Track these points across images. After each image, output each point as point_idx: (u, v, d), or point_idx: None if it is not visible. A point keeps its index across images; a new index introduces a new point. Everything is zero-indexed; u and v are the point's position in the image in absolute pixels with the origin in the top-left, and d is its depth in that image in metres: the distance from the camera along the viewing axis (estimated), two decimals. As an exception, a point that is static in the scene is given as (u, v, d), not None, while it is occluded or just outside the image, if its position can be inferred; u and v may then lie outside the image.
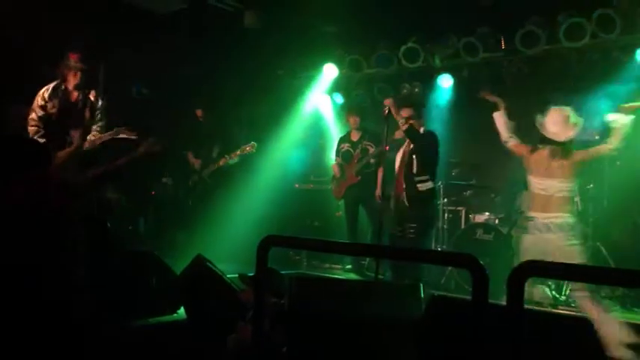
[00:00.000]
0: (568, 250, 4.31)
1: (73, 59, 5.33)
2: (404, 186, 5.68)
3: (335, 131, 8.48)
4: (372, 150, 6.95)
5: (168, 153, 8.00)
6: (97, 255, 4.56)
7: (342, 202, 7.37)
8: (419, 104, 5.93)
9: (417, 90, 7.41)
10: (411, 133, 5.56)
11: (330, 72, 8.26)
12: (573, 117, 4.51)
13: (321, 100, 8.83)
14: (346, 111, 7.50)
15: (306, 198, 8.28)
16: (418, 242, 5.57)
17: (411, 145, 5.71)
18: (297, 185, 8.46)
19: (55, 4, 6.31)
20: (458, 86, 7.68)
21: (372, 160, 6.94)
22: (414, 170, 5.62)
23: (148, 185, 7.85)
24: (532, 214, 4.57)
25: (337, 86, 8.64)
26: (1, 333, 3.01)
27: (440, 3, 6.75)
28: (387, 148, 5.84)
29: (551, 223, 4.42)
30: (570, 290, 4.44)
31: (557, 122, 4.50)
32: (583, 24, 6.13)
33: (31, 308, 3.06)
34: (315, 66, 8.33)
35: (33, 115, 5.32)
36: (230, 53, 7.68)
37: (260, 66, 8.19)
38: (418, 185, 5.60)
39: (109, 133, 5.34)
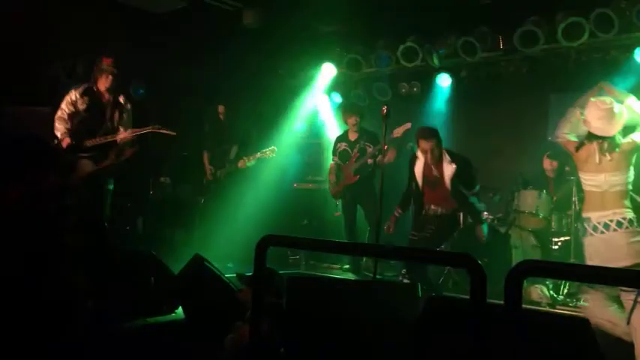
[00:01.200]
0: (633, 247, 4.07)
1: (106, 63, 5.67)
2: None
3: (333, 131, 8.47)
4: (370, 150, 6.94)
5: (168, 153, 8.02)
6: (94, 255, 4.55)
7: (340, 202, 7.36)
8: (436, 135, 5.88)
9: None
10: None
11: (328, 71, 8.26)
12: (616, 107, 4.21)
13: (319, 100, 8.83)
14: (345, 111, 7.49)
15: (304, 198, 8.28)
16: (432, 242, 5.56)
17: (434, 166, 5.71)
18: (295, 185, 8.45)
19: (53, 4, 6.30)
20: (456, 86, 7.70)
21: (369, 160, 6.94)
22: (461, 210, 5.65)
23: (147, 185, 7.84)
24: (587, 214, 4.29)
25: (335, 86, 8.65)
26: (2, 333, 3.01)
27: (438, 2, 6.75)
28: (386, 147, 5.83)
29: (609, 220, 4.14)
30: (621, 291, 4.26)
31: (600, 117, 4.20)
32: (581, 23, 6.13)
33: (31, 308, 3.06)
34: (313, 65, 8.33)
35: (60, 113, 5.61)
36: (229, 52, 7.67)
37: (258, 65, 8.19)
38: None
39: (146, 127, 5.71)
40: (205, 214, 7.21)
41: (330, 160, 7.47)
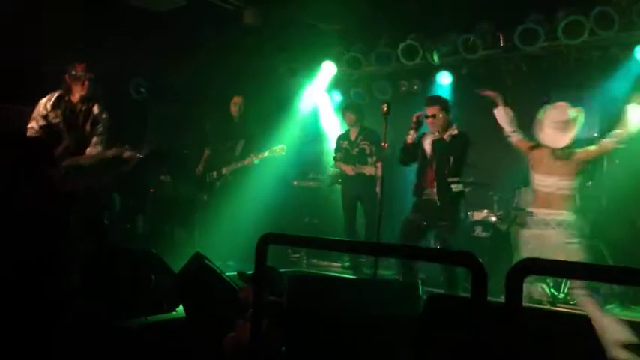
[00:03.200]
0: (567, 247, 4.24)
1: (79, 69, 5.23)
2: (435, 184, 5.60)
3: (334, 129, 8.47)
4: (368, 150, 6.95)
5: (169, 151, 8.02)
6: (94, 254, 4.55)
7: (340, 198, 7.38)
8: (439, 101, 5.84)
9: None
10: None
11: (329, 69, 8.25)
12: (573, 113, 4.38)
13: (320, 98, 8.82)
14: (344, 109, 7.49)
15: (304, 196, 8.28)
16: (447, 240, 5.54)
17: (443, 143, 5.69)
18: (295, 183, 8.45)
19: (51, 3, 6.29)
20: (457, 83, 7.69)
21: (371, 159, 6.94)
22: (447, 171, 5.58)
23: (147, 183, 7.84)
24: (532, 209, 4.50)
25: (336, 84, 8.64)
26: (1, 331, 3.01)
27: (439, 0, 6.75)
28: (386, 145, 5.82)
29: (551, 219, 4.34)
30: (569, 288, 4.38)
31: (555, 127, 4.36)
32: (582, 21, 6.13)
33: (30, 307, 3.06)
34: (314, 63, 8.33)
35: (33, 124, 5.18)
36: (229, 51, 7.67)
37: (259, 64, 8.19)
38: (452, 186, 5.57)
39: (112, 151, 5.24)
40: (206, 212, 7.20)
41: (330, 157, 7.48)
